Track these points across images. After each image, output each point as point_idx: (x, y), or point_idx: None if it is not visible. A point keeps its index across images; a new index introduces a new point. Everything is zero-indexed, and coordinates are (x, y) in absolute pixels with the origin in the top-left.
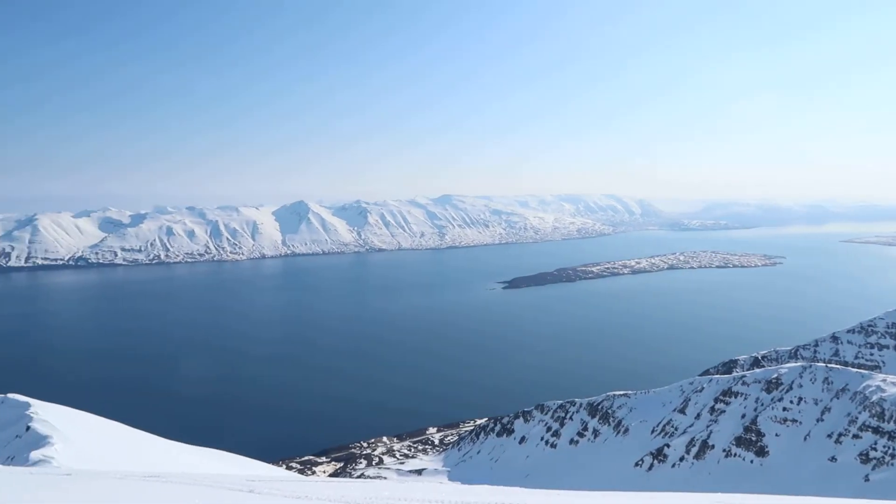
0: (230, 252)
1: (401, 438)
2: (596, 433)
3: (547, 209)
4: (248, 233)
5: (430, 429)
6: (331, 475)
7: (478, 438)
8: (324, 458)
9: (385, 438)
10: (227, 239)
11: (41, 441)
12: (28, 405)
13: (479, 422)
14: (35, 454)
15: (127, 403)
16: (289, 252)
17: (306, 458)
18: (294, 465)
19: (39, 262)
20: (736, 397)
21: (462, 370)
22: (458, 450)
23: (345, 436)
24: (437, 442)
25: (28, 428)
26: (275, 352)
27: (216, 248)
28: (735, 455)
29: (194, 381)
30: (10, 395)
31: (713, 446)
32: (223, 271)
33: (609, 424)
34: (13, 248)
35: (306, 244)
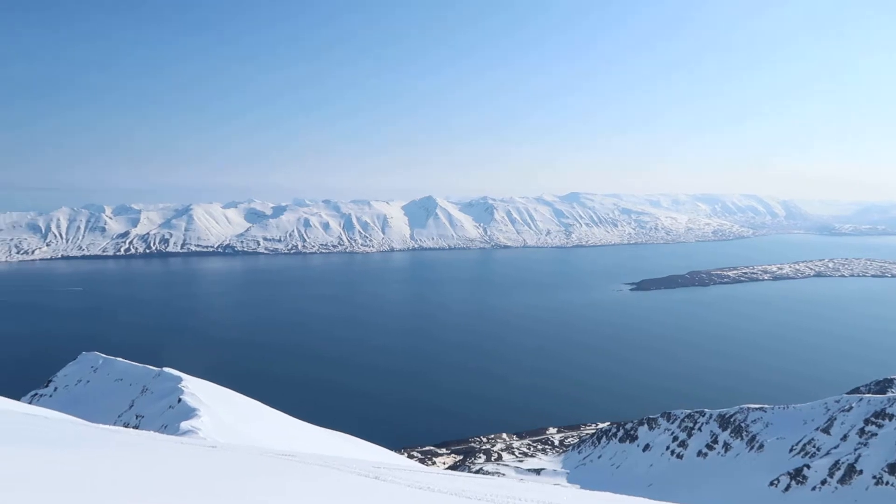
0: (361, 244)
1: (520, 436)
2: (727, 447)
3: (680, 209)
4: (378, 226)
5: (550, 429)
6: (449, 467)
7: (599, 442)
8: (443, 450)
9: (504, 435)
10: (359, 232)
11: (190, 413)
12: (180, 379)
13: (600, 425)
14: (184, 424)
15: (263, 383)
16: (416, 246)
17: (427, 448)
18: (415, 454)
19: (193, 248)
20: (891, 420)
21: (585, 372)
22: (578, 452)
23: (464, 429)
24: (556, 442)
25: (179, 400)
26: (400, 342)
27: (348, 240)
28: (888, 483)
29: (324, 366)
30: (166, 369)
31: (861, 472)
32: (354, 262)
33: (742, 439)
34: (171, 235)
35: (433, 239)
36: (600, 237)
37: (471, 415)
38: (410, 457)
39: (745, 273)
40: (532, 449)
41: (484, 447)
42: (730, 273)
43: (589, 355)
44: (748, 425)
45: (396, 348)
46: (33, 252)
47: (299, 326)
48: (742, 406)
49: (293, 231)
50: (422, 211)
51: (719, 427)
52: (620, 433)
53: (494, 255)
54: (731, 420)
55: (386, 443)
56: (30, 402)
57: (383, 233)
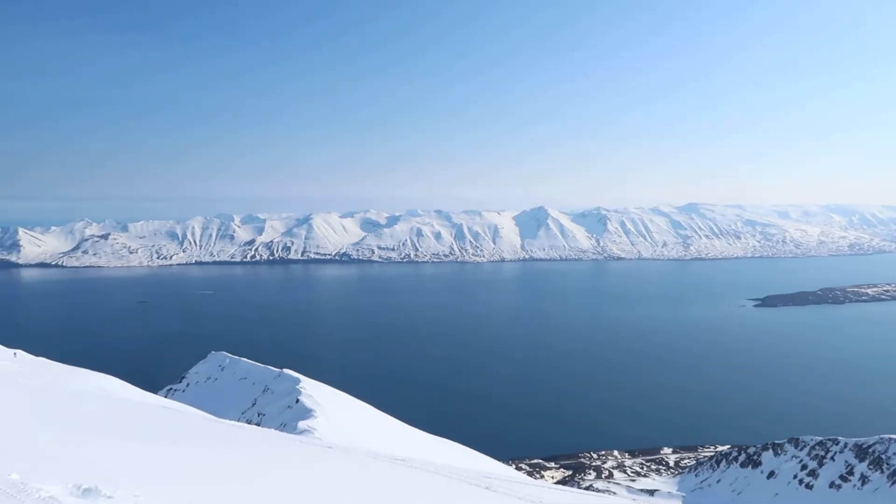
0: (472, 254)
1: (632, 454)
2: (864, 479)
3: (811, 221)
4: (489, 236)
5: (665, 449)
6: (558, 482)
7: (718, 466)
8: (552, 464)
9: (616, 452)
10: (470, 241)
11: (306, 413)
12: (298, 380)
13: (720, 448)
14: (301, 424)
15: (374, 387)
16: (527, 256)
17: (535, 461)
18: (523, 466)
19: (312, 255)
20: None
21: (703, 391)
22: (696, 475)
23: (574, 444)
24: (671, 463)
25: (297, 401)
26: (511, 351)
27: (459, 250)
28: None
29: (435, 373)
30: (286, 371)
31: None
32: (465, 272)
33: (882, 472)
34: (293, 243)
35: (544, 249)
36: (721, 250)
37: (581, 429)
38: (518, 469)
39: (887, 291)
40: (645, 468)
41: (594, 463)
42: (868, 290)
43: (707, 374)
44: (889, 457)
45: (507, 357)
46: (171, 257)
47: (411, 333)
48: (883, 436)
49: (406, 240)
50: (533, 221)
51: (855, 457)
52: (742, 458)
53: (607, 266)
54: (870, 451)
55: (493, 453)
56: (165, 396)
57: (494, 243)
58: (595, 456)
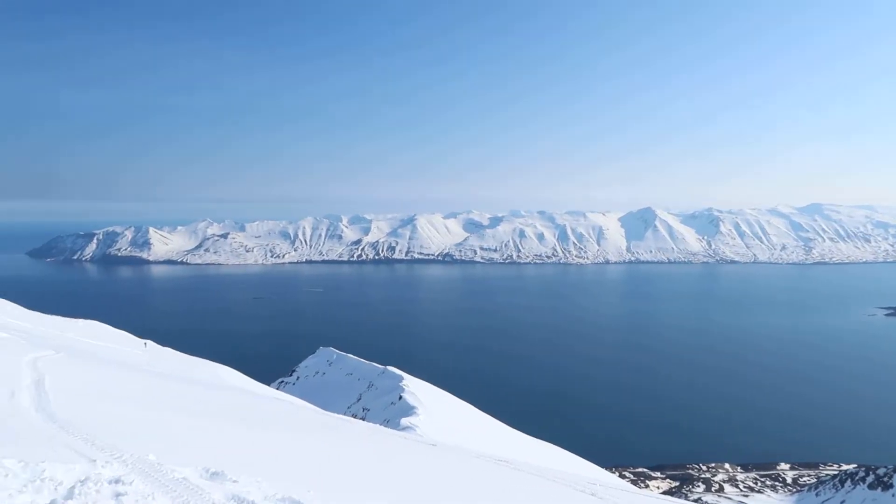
0: (575, 256)
1: (745, 469)
2: None
3: None
4: (593, 238)
5: (782, 464)
6: (664, 493)
7: (842, 486)
8: (658, 474)
9: (727, 465)
10: (574, 243)
11: (409, 410)
12: (401, 378)
13: (844, 467)
14: (404, 421)
15: (474, 386)
16: (633, 259)
17: (639, 469)
18: (627, 474)
19: (416, 255)
20: None
21: (826, 404)
22: (816, 495)
23: (682, 454)
24: (788, 480)
25: (400, 398)
26: (616, 355)
27: (563, 251)
28: None
29: (537, 375)
30: (390, 368)
31: None
32: (568, 273)
33: None
34: (397, 244)
35: (651, 252)
36: (848, 254)
37: (690, 438)
38: (622, 476)
39: None
40: (759, 484)
41: (703, 475)
42: None
43: (831, 386)
44: None
45: (612, 361)
46: (283, 256)
47: (512, 334)
48: None
49: (508, 241)
50: (639, 223)
51: None
52: (871, 478)
53: (719, 270)
54: None
55: (595, 459)
56: (277, 388)
57: (598, 244)
58: (704, 468)
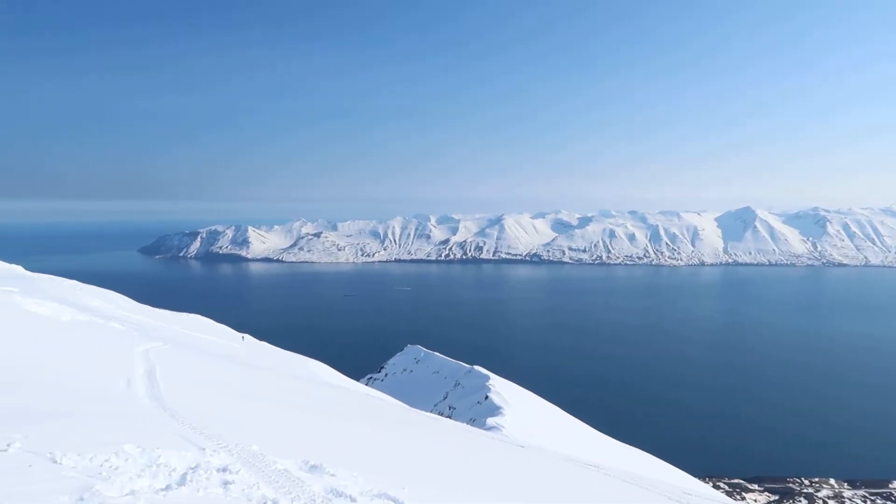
0: (668, 257)
1: (853, 485)
2: None
3: None
4: (687, 238)
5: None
6: None
7: None
8: (755, 486)
9: (832, 481)
10: (666, 244)
11: (495, 410)
12: (488, 377)
13: None
14: (490, 421)
15: (560, 388)
16: (730, 261)
17: (735, 480)
18: (721, 485)
19: (503, 255)
20: None
21: None
22: None
23: (783, 467)
24: None
25: (487, 397)
26: (709, 360)
27: (654, 253)
28: None
29: (626, 377)
30: (476, 367)
31: None
32: (660, 275)
33: None
34: (485, 243)
35: (750, 253)
36: None
37: (792, 448)
38: (716, 487)
39: None
40: (868, 502)
41: (805, 490)
42: None
43: None
44: None
45: (707, 364)
46: (373, 255)
47: (601, 336)
48: None
49: (598, 242)
50: (738, 223)
51: None
52: None
53: (826, 273)
54: None
55: (688, 467)
56: (366, 384)
57: (693, 245)
58: (807, 482)
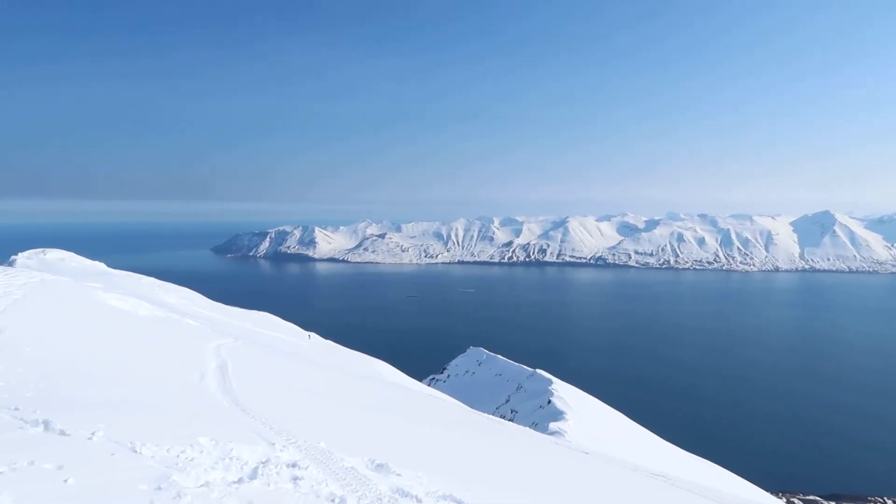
0: (740, 262)
1: None
2: None
3: None
4: (760, 243)
5: None
6: None
7: None
8: None
9: None
10: (738, 248)
11: (558, 415)
12: (550, 381)
13: None
14: (553, 426)
15: (625, 394)
16: (806, 267)
17: (811, 497)
18: (795, 501)
19: (567, 258)
20: None
21: None
22: None
23: (862, 484)
24: None
25: (549, 401)
26: (788, 368)
27: (725, 257)
28: None
29: (690, 385)
30: (539, 371)
31: None
32: (731, 281)
33: None
34: (548, 246)
35: (829, 259)
36: None
37: (873, 468)
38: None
39: None
40: None
41: None
42: None
43: None
44: None
45: (785, 372)
46: (436, 256)
47: (667, 341)
48: None
49: (665, 245)
50: (815, 227)
51: None
52: None
53: None
54: None
55: (759, 480)
56: (428, 385)
57: (766, 250)
58: (889, 501)
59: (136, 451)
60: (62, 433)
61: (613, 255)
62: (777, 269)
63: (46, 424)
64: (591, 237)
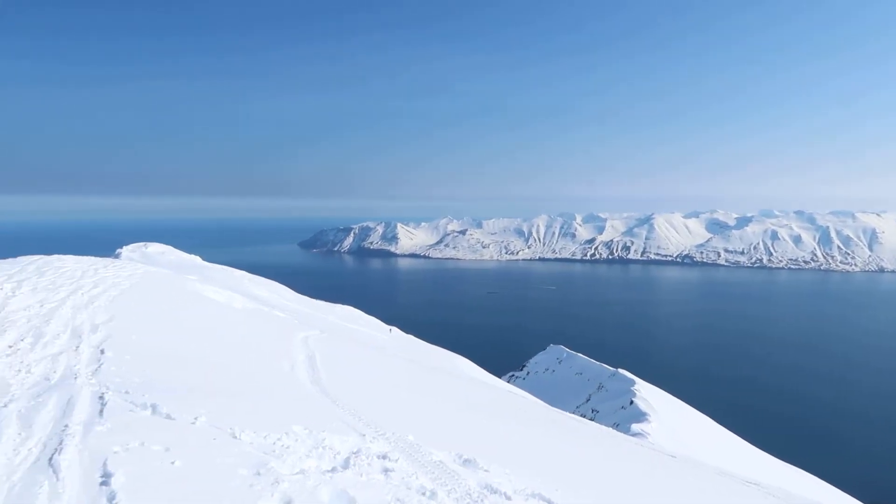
0: (840, 262)
1: None
2: None
3: None
4: (864, 242)
5: None
6: None
7: None
8: None
9: None
10: (838, 247)
11: (641, 416)
12: (633, 382)
13: None
14: (635, 427)
15: (713, 398)
16: None
17: None
18: None
19: (652, 256)
20: None
21: None
22: None
23: None
24: None
25: (632, 402)
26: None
27: (824, 256)
28: None
29: (782, 390)
30: (621, 371)
31: None
32: (830, 281)
33: None
34: (632, 243)
35: None
36: None
37: None
38: None
39: None
40: None
41: None
42: None
43: None
44: None
45: (891, 374)
46: (517, 253)
47: (762, 342)
48: None
49: (758, 244)
50: None
51: None
52: None
53: None
54: None
55: (860, 492)
56: (507, 381)
57: (870, 250)
58: None
59: (235, 437)
60: (168, 417)
61: (701, 253)
62: (882, 270)
63: (154, 408)
64: (677, 234)
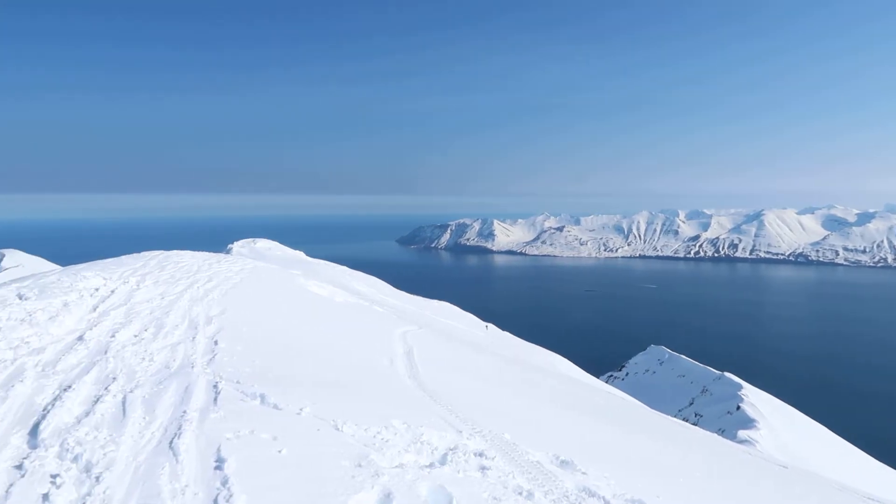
0: None
1: None
2: None
3: None
4: None
5: None
6: None
7: None
8: None
9: None
10: None
11: (748, 423)
12: (740, 386)
13: None
14: (742, 433)
15: (825, 406)
16: None
17: None
18: None
19: (761, 254)
20: None
21: None
22: None
23: None
24: None
25: (738, 407)
26: None
27: None
28: None
29: None
30: (727, 374)
31: None
32: None
33: None
34: (740, 241)
35: None
36: None
37: None
38: None
39: None
40: None
41: None
42: None
43: None
44: None
45: None
46: (616, 250)
47: (885, 353)
48: None
49: (882, 241)
50: None
51: None
52: None
53: None
54: None
55: None
56: (606, 381)
57: None
58: None
59: (338, 429)
60: (275, 407)
61: (817, 251)
62: None
63: (262, 398)
64: (790, 232)
